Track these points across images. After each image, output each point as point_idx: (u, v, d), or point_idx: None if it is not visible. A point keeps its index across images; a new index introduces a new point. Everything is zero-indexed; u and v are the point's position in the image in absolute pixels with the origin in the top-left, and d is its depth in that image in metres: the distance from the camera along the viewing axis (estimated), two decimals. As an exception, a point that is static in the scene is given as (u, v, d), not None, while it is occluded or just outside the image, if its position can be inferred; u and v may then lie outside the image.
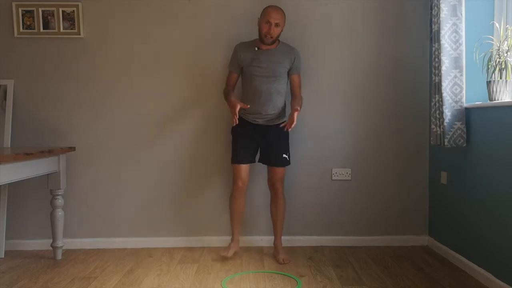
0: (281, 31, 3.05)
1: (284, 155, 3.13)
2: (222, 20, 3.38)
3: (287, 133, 3.15)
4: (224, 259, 3.10)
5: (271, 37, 3.00)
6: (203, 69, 3.39)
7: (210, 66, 3.38)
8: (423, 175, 3.47)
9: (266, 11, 3.01)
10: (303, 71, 3.38)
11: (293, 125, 2.94)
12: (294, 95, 3.16)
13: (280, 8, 3.03)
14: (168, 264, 3.07)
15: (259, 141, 3.12)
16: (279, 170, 3.14)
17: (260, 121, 3.09)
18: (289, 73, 3.13)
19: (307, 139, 3.44)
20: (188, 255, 3.26)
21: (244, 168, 3.11)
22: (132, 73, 3.41)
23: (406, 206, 3.48)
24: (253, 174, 3.25)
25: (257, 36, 3.10)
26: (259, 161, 3.20)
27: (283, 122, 3.11)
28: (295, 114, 2.95)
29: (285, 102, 3.15)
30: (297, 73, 3.16)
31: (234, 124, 2.97)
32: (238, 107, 2.93)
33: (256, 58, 3.05)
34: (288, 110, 3.21)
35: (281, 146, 3.13)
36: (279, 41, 3.13)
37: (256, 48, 3.08)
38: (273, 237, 3.25)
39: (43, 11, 3.35)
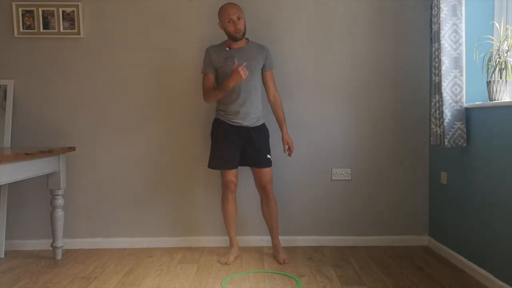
0: (245, 22, 3.04)
1: (268, 156, 3.12)
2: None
3: (268, 133, 3.15)
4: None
5: (240, 31, 3.01)
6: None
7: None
8: (423, 175, 3.47)
9: (223, 12, 3.01)
10: (303, 71, 3.39)
11: (292, 146, 3.17)
12: (272, 93, 3.15)
13: (234, 3, 3.05)
14: (168, 264, 3.07)
15: (242, 144, 3.09)
16: (268, 172, 3.12)
17: (243, 122, 3.05)
18: (263, 70, 3.13)
19: (307, 139, 3.44)
20: (188, 255, 3.27)
21: (233, 172, 3.11)
22: (131, 73, 3.41)
23: (406, 206, 3.48)
24: (249, 173, 3.24)
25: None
26: (243, 165, 3.16)
27: (266, 130, 3.15)
28: (286, 136, 3.17)
29: (261, 101, 3.15)
30: (270, 69, 3.15)
31: (243, 74, 2.86)
32: (240, 67, 2.86)
33: (230, 57, 3.04)
34: (265, 110, 3.18)
35: (265, 147, 3.12)
36: (247, 39, 3.13)
37: (227, 48, 3.08)
38: (273, 237, 3.25)
39: (43, 11, 3.35)
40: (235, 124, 3.07)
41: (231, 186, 3.11)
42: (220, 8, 3.05)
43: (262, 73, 3.13)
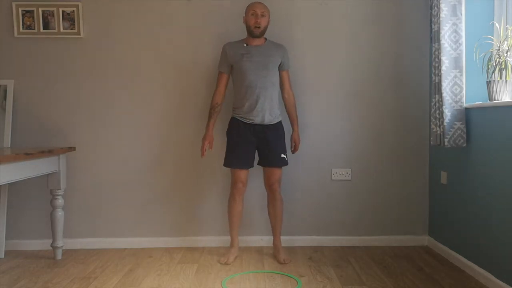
0: (268, 23, 3.08)
1: (282, 155, 3.12)
2: (222, 20, 3.38)
3: (283, 132, 3.16)
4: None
5: (259, 27, 3.03)
6: (203, 69, 3.39)
7: (210, 66, 3.38)
8: (423, 175, 3.47)
9: (249, 6, 3.08)
10: (303, 71, 3.38)
11: (298, 145, 3.22)
12: (286, 91, 3.19)
13: (262, 2, 3.09)
14: (168, 264, 3.07)
15: (257, 143, 3.10)
16: (277, 171, 3.13)
17: (257, 120, 3.06)
18: (279, 69, 3.14)
19: (307, 139, 3.43)
20: (188, 255, 3.27)
21: (244, 171, 3.11)
22: (132, 73, 3.41)
23: (406, 206, 3.48)
24: (252, 174, 3.24)
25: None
26: (258, 164, 3.18)
27: (282, 129, 3.16)
28: (296, 135, 3.22)
29: (278, 99, 3.15)
30: (286, 69, 3.17)
31: (202, 154, 3.12)
32: (206, 146, 3.11)
33: (247, 53, 3.06)
34: (281, 108, 3.22)
35: (279, 146, 3.12)
36: (266, 38, 3.14)
37: (245, 44, 3.10)
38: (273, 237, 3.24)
39: (43, 11, 3.35)
40: (249, 122, 3.07)
41: (239, 185, 3.10)
42: (249, 3, 3.11)
43: (279, 71, 3.15)
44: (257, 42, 3.10)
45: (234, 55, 3.07)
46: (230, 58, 3.08)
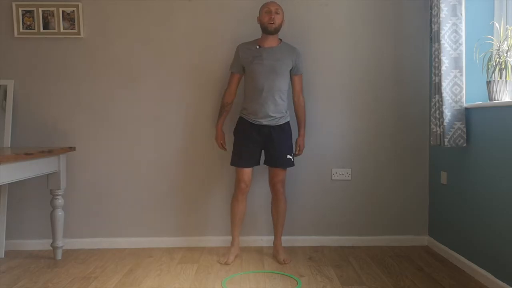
0: (282, 21, 3.08)
1: (288, 156, 3.12)
2: (222, 20, 3.38)
3: (290, 133, 3.16)
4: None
5: (274, 24, 3.02)
6: (203, 69, 3.39)
7: (210, 66, 3.38)
8: (423, 175, 3.47)
9: (263, 5, 3.09)
10: (304, 71, 3.38)
11: (303, 149, 3.22)
12: (296, 95, 3.18)
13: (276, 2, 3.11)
14: (168, 264, 3.07)
15: (263, 143, 3.10)
16: (281, 172, 3.13)
17: (263, 121, 3.07)
18: (291, 73, 3.13)
19: (307, 139, 3.42)
20: (188, 255, 3.27)
21: (247, 171, 3.11)
22: (132, 73, 3.41)
23: (406, 206, 3.48)
24: (254, 174, 3.24)
25: (258, 36, 3.12)
26: (264, 163, 3.18)
27: (289, 130, 3.16)
28: (301, 139, 3.21)
29: (287, 102, 3.15)
30: (298, 74, 3.16)
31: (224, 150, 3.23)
32: (219, 144, 3.23)
33: (258, 55, 3.06)
34: (290, 110, 3.21)
35: (285, 147, 3.12)
36: (280, 40, 3.14)
37: (258, 46, 3.09)
38: (273, 237, 3.24)
39: (43, 11, 3.35)
40: (256, 123, 3.08)
41: (241, 184, 3.10)
42: (263, 3, 3.12)
43: (290, 75, 3.14)
44: (270, 43, 3.08)
45: (246, 57, 3.08)
46: (242, 60, 3.10)
